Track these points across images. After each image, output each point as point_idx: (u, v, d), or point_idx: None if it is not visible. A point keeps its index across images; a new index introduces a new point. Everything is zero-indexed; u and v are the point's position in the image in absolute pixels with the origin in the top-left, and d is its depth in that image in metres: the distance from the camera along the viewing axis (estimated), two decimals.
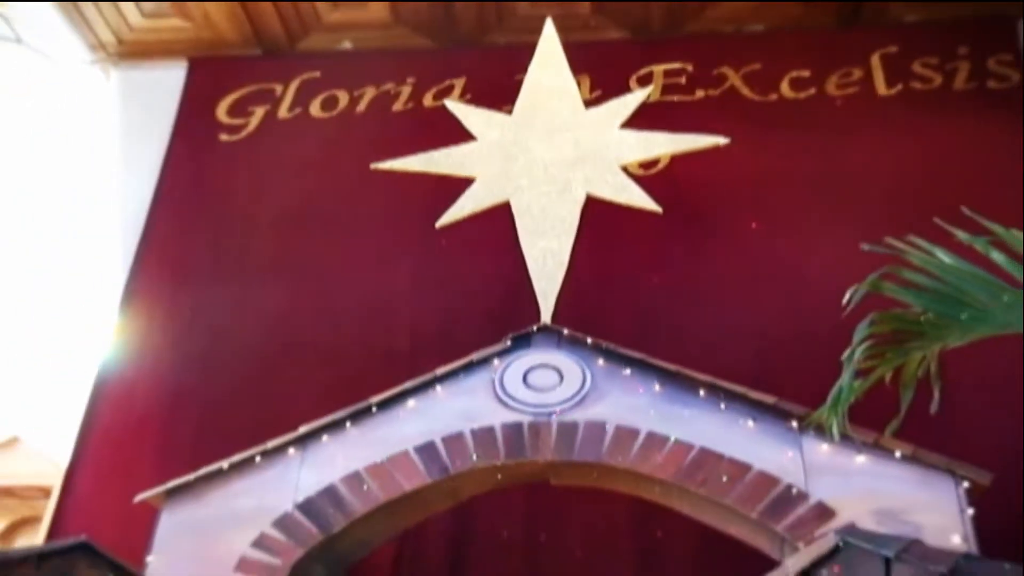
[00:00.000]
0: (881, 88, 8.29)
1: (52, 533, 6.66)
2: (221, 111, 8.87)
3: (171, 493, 5.37)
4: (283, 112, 8.82)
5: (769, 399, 5.14)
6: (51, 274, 9.50)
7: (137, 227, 8.18)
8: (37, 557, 3.93)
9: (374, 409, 5.48)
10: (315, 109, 8.79)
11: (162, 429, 6.93)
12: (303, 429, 5.46)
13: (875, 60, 8.43)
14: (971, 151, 7.54)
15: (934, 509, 4.70)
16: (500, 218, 7.54)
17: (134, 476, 6.45)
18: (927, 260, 3.55)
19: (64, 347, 8.99)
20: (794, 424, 5.04)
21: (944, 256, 3.55)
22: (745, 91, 8.33)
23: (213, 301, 7.57)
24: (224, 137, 8.70)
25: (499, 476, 5.33)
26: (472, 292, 7.13)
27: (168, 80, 9.09)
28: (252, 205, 8.17)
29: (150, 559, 5.09)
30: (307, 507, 5.23)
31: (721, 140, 7.68)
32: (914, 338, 3.62)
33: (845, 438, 4.59)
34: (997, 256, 3.42)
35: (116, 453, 6.90)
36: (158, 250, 8.06)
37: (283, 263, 7.66)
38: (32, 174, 9.21)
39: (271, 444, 5.43)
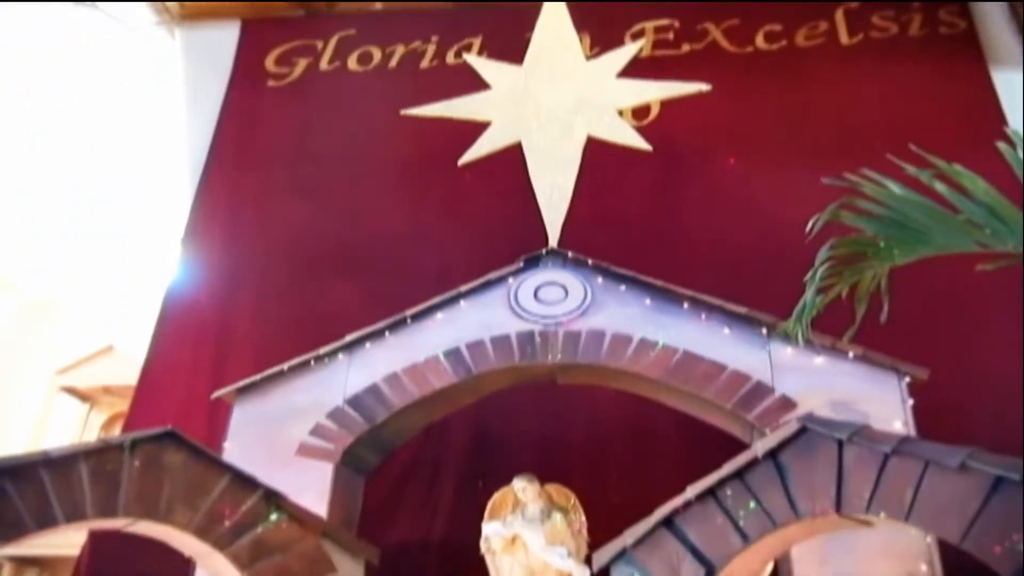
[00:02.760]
0: (844, 38, 8.06)
1: (128, 425, 6.74)
2: (269, 62, 8.72)
3: (241, 391, 5.48)
4: (324, 65, 8.66)
5: (742, 310, 5.16)
6: (130, 207, 9.53)
7: (199, 163, 8.11)
8: (131, 443, 4.04)
9: (408, 321, 5.53)
10: (352, 63, 8.63)
11: (223, 337, 6.97)
12: (349, 337, 5.53)
13: (839, 14, 8.19)
14: (923, 92, 7.37)
15: (880, 401, 4.76)
16: (513, 158, 7.49)
17: (199, 377, 6.56)
18: (880, 191, 3.51)
19: (144, 268, 9.07)
20: (764, 331, 5.07)
21: (895, 187, 3.52)
22: (724, 44, 8.11)
23: (264, 226, 7.54)
24: (272, 83, 8.56)
25: (513, 375, 5.43)
26: (490, 221, 7.09)
27: (224, 38, 8.91)
28: (298, 143, 8.08)
29: (226, 445, 5.23)
30: (354, 402, 5.34)
31: (704, 87, 7.55)
32: (868, 259, 3.61)
33: (807, 343, 4.62)
34: (940, 187, 3.38)
35: (184, 358, 6.95)
36: (217, 183, 8.00)
37: (326, 194, 7.59)
38: (111, 122, 9.14)
39: (323, 350, 5.50)
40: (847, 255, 3.62)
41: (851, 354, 4.87)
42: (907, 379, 4.83)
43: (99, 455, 3.96)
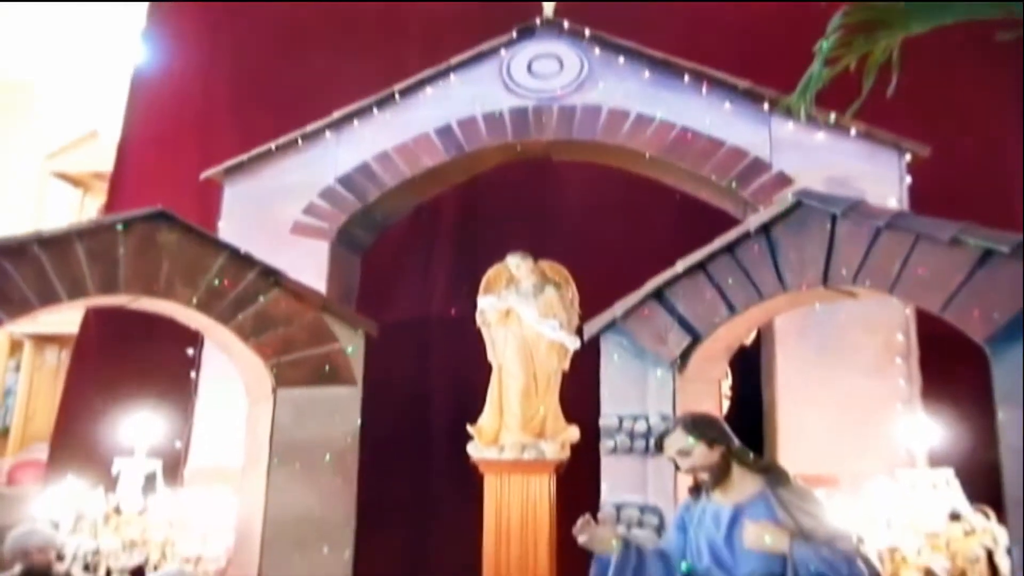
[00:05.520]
0: None
1: (109, 209, 6.67)
2: None
3: (229, 171, 5.40)
4: None
5: (745, 84, 4.96)
6: None
7: None
8: (124, 222, 4.03)
9: (397, 97, 5.32)
10: None
11: (205, 119, 6.71)
12: (336, 115, 5.35)
13: None
14: None
15: (878, 179, 4.72)
16: None
17: (185, 160, 6.38)
18: None
19: (111, 49, 8.56)
20: (765, 107, 4.92)
21: None
22: None
23: None
24: None
25: (506, 153, 5.33)
26: None
27: None
28: None
29: (220, 224, 5.24)
30: (346, 181, 5.28)
31: None
32: (881, 27, 3.42)
33: (810, 119, 4.50)
34: None
35: (166, 140, 6.73)
36: None
37: None
38: None
39: (309, 128, 5.36)
40: (860, 23, 3.43)
41: (853, 130, 4.76)
42: (907, 157, 4.76)
43: (93, 235, 3.98)
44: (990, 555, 3.27)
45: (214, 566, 4.26)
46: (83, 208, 9.44)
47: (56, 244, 3.88)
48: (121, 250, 3.97)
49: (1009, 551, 3.09)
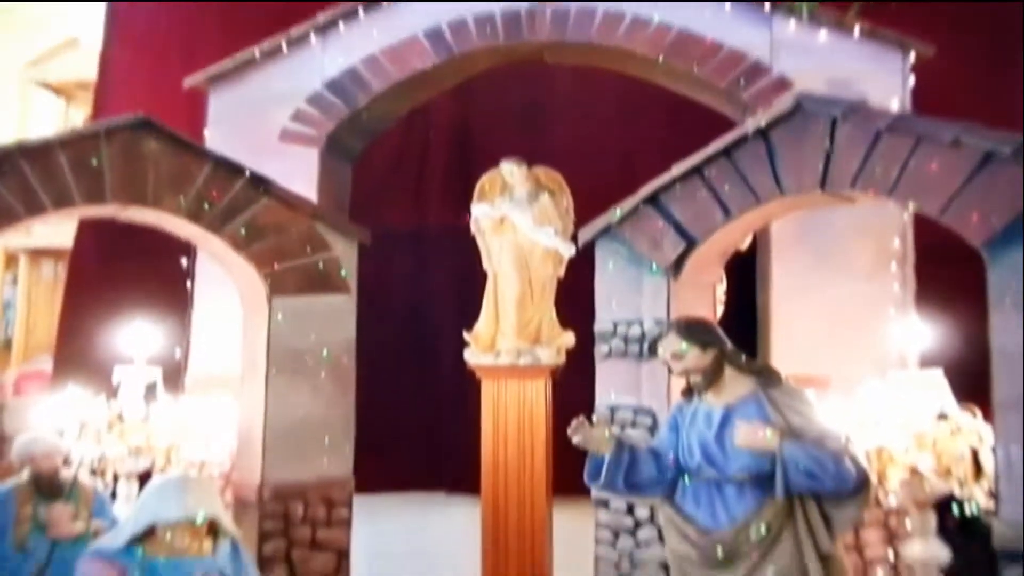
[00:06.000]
0: None
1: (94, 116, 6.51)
2: None
3: (214, 79, 5.24)
4: None
5: None
6: None
7: None
8: (106, 130, 3.92)
9: None
10: None
11: (186, 27, 6.48)
12: (321, 18, 5.17)
13: None
14: None
15: (880, 80, 4.59)
16: None
17: (167, 69, 6.19)
18: None
19: None
20: (767, 7, 4.75)
21: None
22: None
23: None
24: None
25: (498, 55, 5.17)
26: None
27: None
28: None
29: (207, 133, 5.13)
30: (333, 86, 5.14)
31: None
32: None
33: (812, 18, 4.36)
34: None
35: (147, 48, 6.51)
36: None
37: None
38: None
39: (294, 32, 5.17)
40: None
41: (856, 30, 4.61)
42: (911, 57, 4.63)
43: (76, 144, 3.87)
44: (975, 454, 3.34)
45: (218, 470, 4.36)
46: (68, 119, 9.26)
47: (39, 154, 3.77)
48: (105, 159, 3.87)
49: (993, 450, 3.15)
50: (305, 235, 4.18)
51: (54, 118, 9.22)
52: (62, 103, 9.39)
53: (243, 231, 4.04)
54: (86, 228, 6.17)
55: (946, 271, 4.40)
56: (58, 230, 7.17)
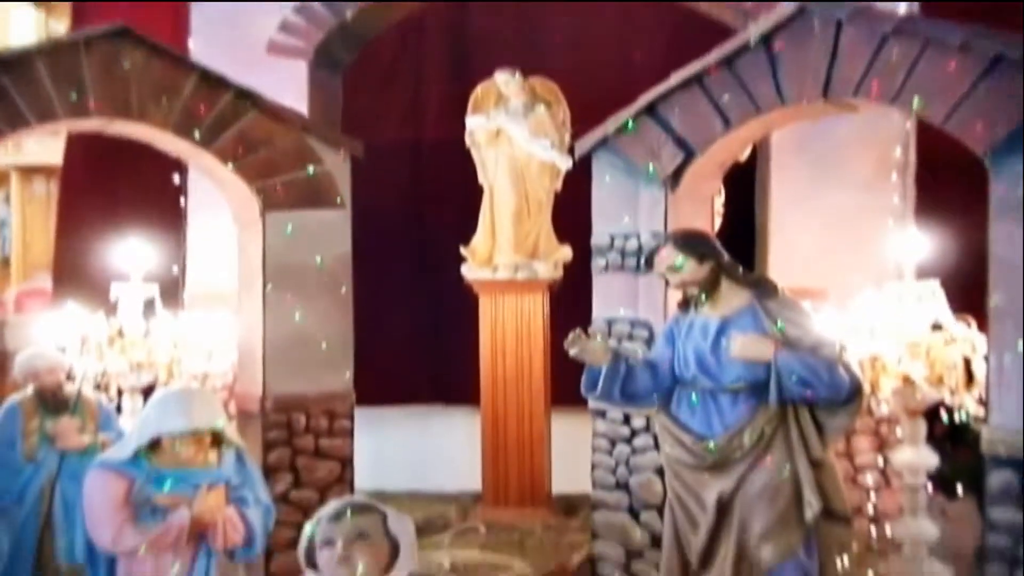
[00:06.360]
0: None
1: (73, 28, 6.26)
2: None
3: None
4: None
5: None
6: None
7: None
8: (85, 40, 3.78)
9: None
10: None
11: None
12: None
13: None
14: None
15: None
16: None
17: None
18: None
19: None
20: None
21: None
22: None
23: None
24: None
25: None
26: None
27: None
28: None
29: (191, 44, 4.96)
30: None
31: None
32: None
33: None
34: None
35: None
36: None
37: None
38: None
39: None
40: None
41: None
42: None
43: (53, 54, 3.75)
44: (967, 363, 3.37)
45: (221, 381, 4.42)
46: (48, 31, 8.97)
47: (17, 65, 3.66)
48: (85, 70, 3.75)
49: (986, 358, 3.18)
50: (295, 149, 4.09)
51: (33, 30, 8.94)
52: (41, 15, 9.08)
53: (231, 145, 3.96)
54: (75, 144, 6.05)
55: (946, 180, 4.34)
56: (48, 147, 7.00)
